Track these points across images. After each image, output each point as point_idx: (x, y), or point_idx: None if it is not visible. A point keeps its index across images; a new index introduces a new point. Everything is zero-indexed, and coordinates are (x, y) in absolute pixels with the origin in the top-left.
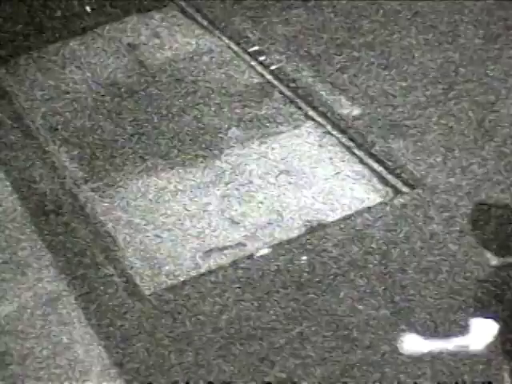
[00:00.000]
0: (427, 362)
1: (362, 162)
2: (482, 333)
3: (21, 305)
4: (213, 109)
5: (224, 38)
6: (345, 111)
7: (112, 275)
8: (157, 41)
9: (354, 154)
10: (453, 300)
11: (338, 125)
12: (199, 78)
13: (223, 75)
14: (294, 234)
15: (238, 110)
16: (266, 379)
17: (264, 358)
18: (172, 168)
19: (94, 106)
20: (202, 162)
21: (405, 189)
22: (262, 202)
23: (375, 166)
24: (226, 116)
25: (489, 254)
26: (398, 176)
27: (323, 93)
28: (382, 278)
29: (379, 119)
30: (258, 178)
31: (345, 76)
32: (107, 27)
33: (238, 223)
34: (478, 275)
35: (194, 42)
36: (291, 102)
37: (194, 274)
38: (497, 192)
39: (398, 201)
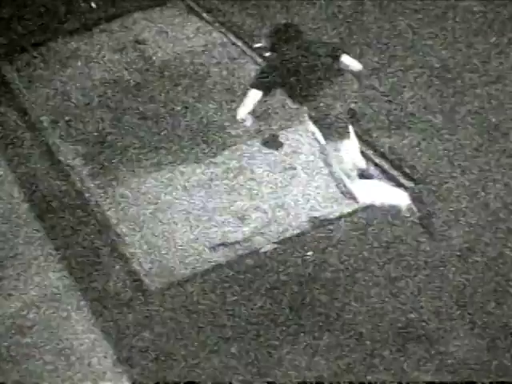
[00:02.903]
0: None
1: (365, 157)
2: None
3: (27, 301)
4: (218, 105)
5: (229, 34)
6: None
7: (117, 271)
8: (162, 37)
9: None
10: None
11: None
12: (204, 73)
13: (228, 71)
14: (299, 229)
15: None
16: (270, 376)
17: (268, 354)
18: (177, 164)
19: (99, 102)
20: (206, 158)
21: (408, 183)
22: (267, 198)
23: (377, 160)
24: (231, 112)
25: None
26: (401, 171)
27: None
28: (386, 274)
29: (382, 115)
30: (263, 174)
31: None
32: (113, 23)
33: (243, 219)
34: None
35: (199, 38)
36: None
37: (199, 269)
38: None
39: None
